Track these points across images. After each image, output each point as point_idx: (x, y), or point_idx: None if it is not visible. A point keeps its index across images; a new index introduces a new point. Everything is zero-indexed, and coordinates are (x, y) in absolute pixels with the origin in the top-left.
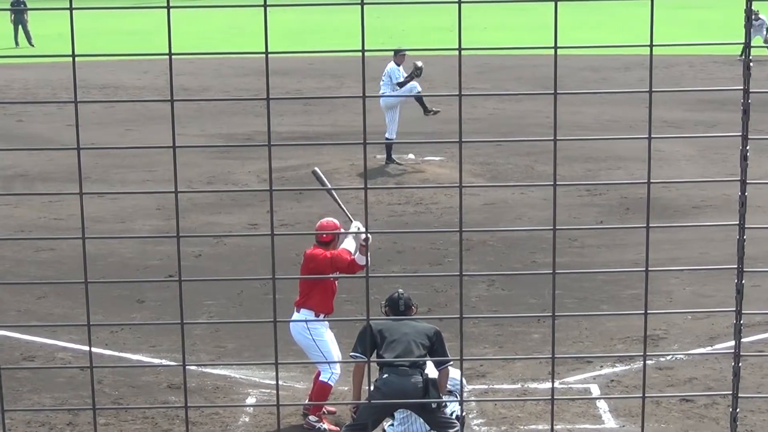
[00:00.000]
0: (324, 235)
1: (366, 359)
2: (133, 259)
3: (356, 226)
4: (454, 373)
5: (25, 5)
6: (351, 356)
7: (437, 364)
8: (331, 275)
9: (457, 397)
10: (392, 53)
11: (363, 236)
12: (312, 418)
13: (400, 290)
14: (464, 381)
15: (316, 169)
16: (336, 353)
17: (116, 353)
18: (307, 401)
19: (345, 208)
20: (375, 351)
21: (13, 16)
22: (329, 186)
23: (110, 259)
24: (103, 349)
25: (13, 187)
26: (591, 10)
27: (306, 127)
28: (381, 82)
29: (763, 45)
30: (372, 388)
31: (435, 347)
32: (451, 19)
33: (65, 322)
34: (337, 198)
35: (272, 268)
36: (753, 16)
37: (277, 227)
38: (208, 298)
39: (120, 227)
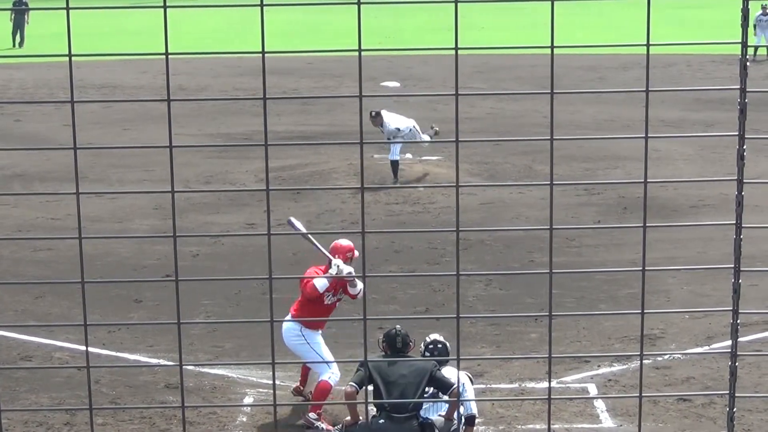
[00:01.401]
0: (337, 255)
1: (358, 389)
2: (130, 258)
3: (335, 264)
4: (456, 375)
5: (26, 6)
6: (350, 385)
7: (443, 391)
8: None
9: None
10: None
11: (345, 272)
12: (312, 415)
13: (398, 326)
14: (467, 381)
15: (291, 219)
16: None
17: (113, 353)
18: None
19: (324, 250)
20: (372, 389)
21: (13, 16)
22: (305, 231)
23: (107, 259)
24: (101, 348)
25: (11, 187)
26: (588, 10)
27: (304, 126)
28: (392, 135)
29: (765, 45)
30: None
31: (434, 382)
32: (449, 19)
33: (62, 321)
34: (314, 242)
35: (269, 267)
36: (761, 12)
37: (275, 227)
38: (206, 297)
39: (117, 227)
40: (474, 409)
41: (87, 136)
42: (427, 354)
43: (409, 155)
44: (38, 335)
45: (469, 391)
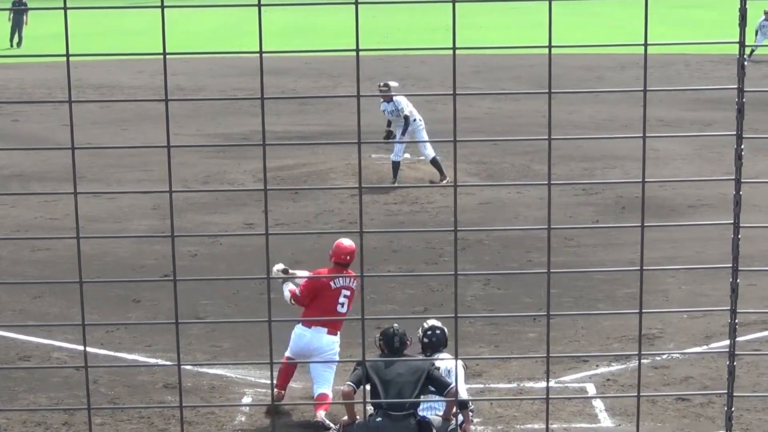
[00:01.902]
0: (348, 257)
1: (356, 389)
2: (128, 258)
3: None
4: (451, 362)
5: (25, 6)
6: (347, 384)
7: (440, 391)
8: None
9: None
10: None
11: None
12: (322, 412)
13: (396, 325)
14: (460, 368)
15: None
16: None
17: (112, 353)
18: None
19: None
20: (369, 388)
21: (12, 16)
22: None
23: (106, 259)
24: (99, 348)
25: (9, 187)
26: (587, 10)
27: (302, 126)
28: (395, 114)
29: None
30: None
31: (431, 381)
32: (446, 19)
33: (61, 321)
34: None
35: (267, 267)
36: (764, 17)
37: (273, 227)
38: (204, 297)
39: (116, 227)
40: (465, 394)
41: (85, 136)
42: (426, 340)
43: (407, 155)
44: (36, 335)
45: (460, 377)
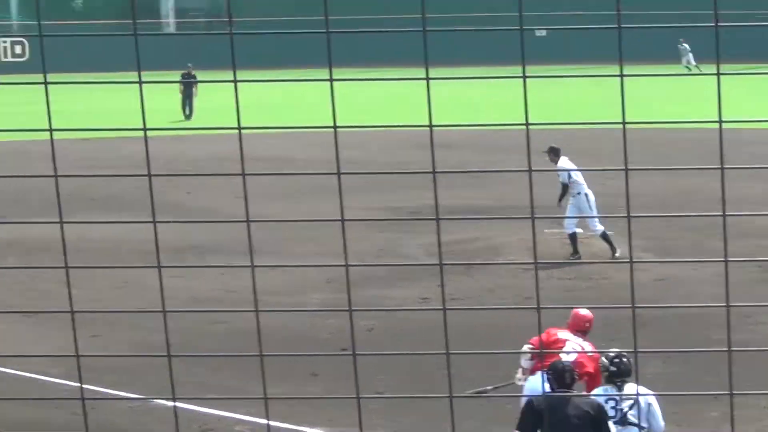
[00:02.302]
0: (587, 325)
1: None
2: (303, 332)
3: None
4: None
5: (195, 78)
6: None
7: None
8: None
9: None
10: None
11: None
12: None
13: (566, 361)
14: (653, 401)
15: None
16: None
17: (294, 426)
18: None
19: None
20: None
21: (183, 87)
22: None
23: (281, 332)
24: (281, 422)
25: (185, 259)
26: (756, 82)
27: (472, 201)
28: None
29: None
30: None
31: (600, 424)
32: (614, 92)
33: (240, 394)
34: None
35: (446, 343)
36: None
37: (448, 301)
38: (382, 372)
39: (289, 300)
40: (662, 422)
41: (257, 209)
42: (614, 368)
43: (579, 230)
44: (217, 408)
45: (656, 409)
